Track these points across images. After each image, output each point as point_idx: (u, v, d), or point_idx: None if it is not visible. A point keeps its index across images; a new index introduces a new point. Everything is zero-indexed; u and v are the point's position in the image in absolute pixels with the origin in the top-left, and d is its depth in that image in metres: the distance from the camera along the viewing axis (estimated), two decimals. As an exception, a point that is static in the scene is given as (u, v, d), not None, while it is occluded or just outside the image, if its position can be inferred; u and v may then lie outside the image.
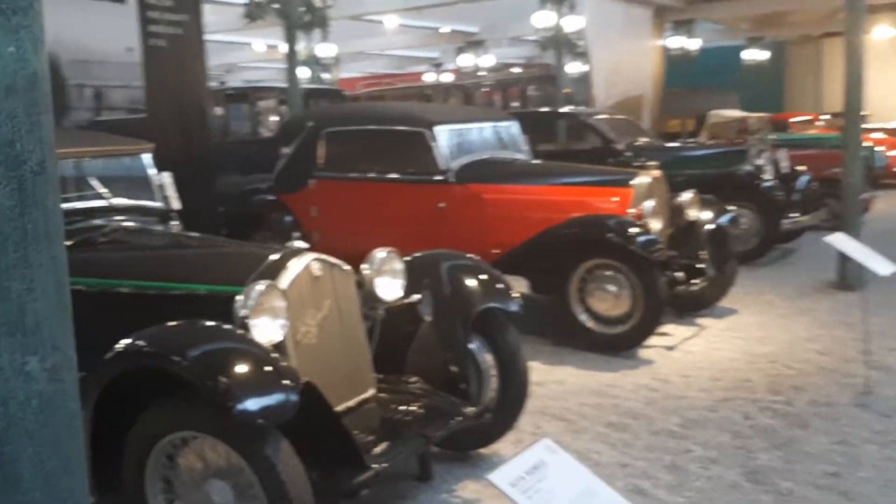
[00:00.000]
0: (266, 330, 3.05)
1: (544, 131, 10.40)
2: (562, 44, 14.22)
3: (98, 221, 4.06)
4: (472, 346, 3.81)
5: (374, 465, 2.97)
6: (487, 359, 3.82)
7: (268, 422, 2.64)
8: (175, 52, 8.75)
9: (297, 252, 3.33)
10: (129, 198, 4.43)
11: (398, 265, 3.69)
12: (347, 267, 3.50)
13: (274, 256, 3.31)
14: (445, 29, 23.24)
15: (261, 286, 3.03)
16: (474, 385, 3.79)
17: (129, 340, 2.79)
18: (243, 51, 25.04)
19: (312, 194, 6.83)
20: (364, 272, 3.60)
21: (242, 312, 2.97)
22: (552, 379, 5.15)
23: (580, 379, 5.15)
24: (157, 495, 2.88)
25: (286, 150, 7.00)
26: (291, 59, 9.62)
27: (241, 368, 2.69)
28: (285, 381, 2.71)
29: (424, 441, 3.23)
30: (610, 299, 5.54)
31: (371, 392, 3.52)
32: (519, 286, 6.41)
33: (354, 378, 3.48)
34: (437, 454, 3.85)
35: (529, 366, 5.40)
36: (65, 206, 4.01)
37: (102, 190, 4.20)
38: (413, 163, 6.34)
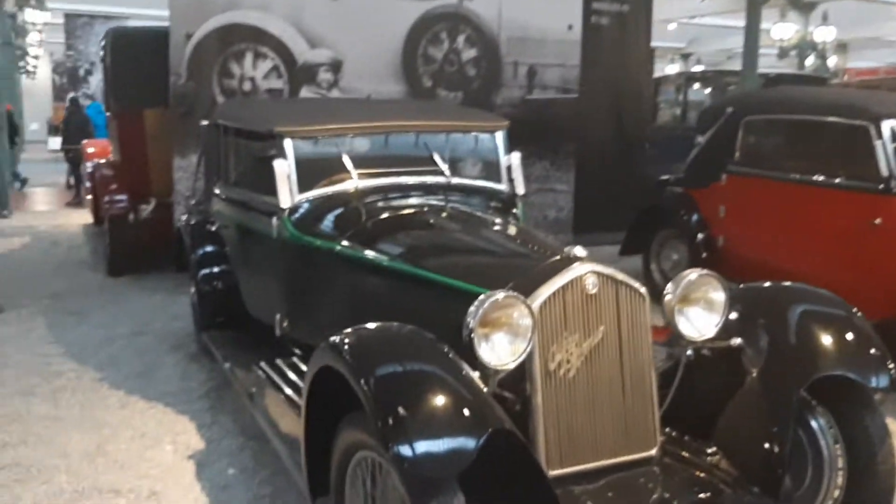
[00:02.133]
0: (499, 350, 2.47)
1: None
2: None
3: (433, 201, 3.82)
4: (812, 423, 2.74)
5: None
6: (834, 446, 2.72)
7: (431, 473, 2.09)
8: (617, 32, 8.34)
9: (571, 260, 2.67)
10: (472, 177, 4.15)
11: (717, 294, 2.78)
12: (641, 287, 2.72)
13: (552, 260, 2.71)
14: None
15: (498, 295, 2.46)
16: (807, 477, 2.73)
17: (337, 337, 2.44)
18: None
19: (723, 191, 5.89)
20: (666, 298, 2.77)
21: (469, 324, 2.43)
22: None
23: None
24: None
25: (701, 139, 6.14)
26: (749, 38, 8.53)
27: (421, 404, 2.16)
28: (468, 427, 2.12)
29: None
30: None
31: (650, 453, 2.72)
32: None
33: (630, 430, 2.70)
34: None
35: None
36: (400, 179, 3.93)
37: (444, 166, 3.95)
38: (847, 165, 5.04)
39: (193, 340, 5.24)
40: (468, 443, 2.08)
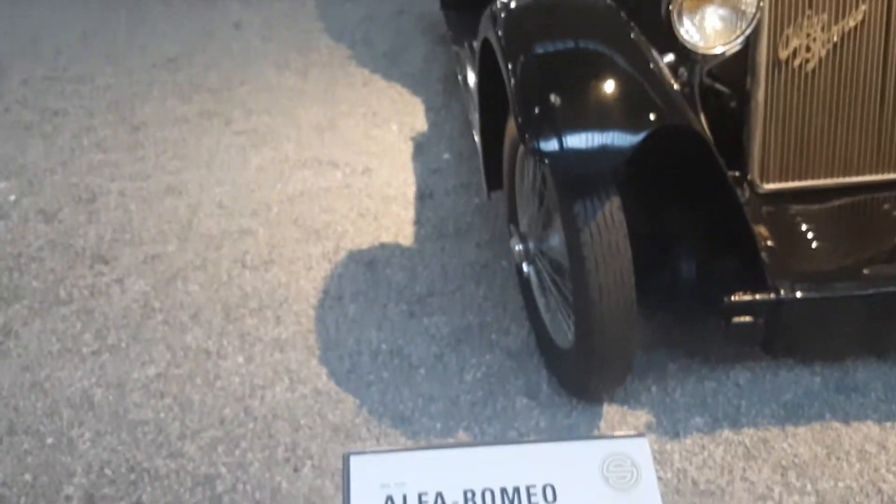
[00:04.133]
0: (708, 29, 1.95)
1: None
2: None
3: None
4: None
5: (781, 290, 1.82)
6: None
7: (572, 169, 1.74)
8: None
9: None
10: None
11: None
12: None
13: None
14: None
15: (714, -43, 1.89)
16: None
17: (499, 3, 2.05)
18: None
19: None
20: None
21: (670, -6, 1.91)
22: None
23: None
24: (527, 207, 2.27)
25: None
26: None
27: (569, 88, 1.76)
28: (625, 120, 1.71)
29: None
30: None
31: (911, 173, 2.13)
32: None
33: (884, 144, 2.12)
34: None
35: None
36: None
37: None
38: None
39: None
40: (624, 138, 1.69)
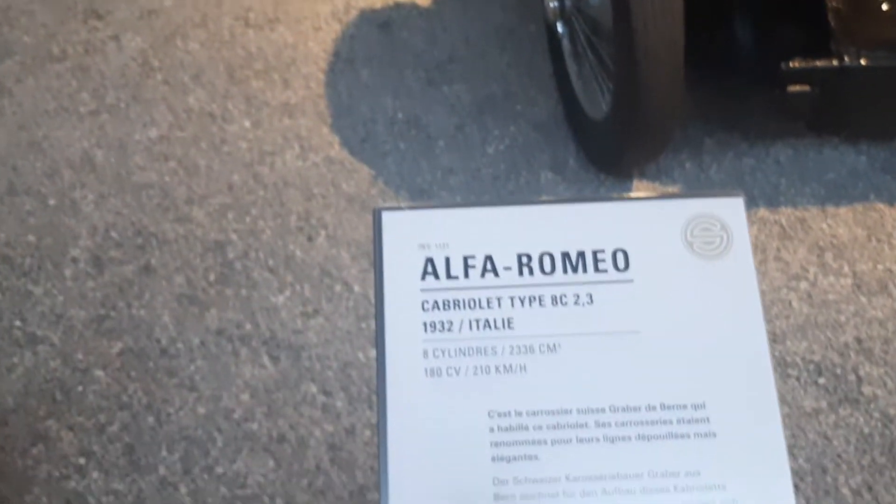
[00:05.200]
0: None
1: None
2: None
3: None
4: None
5: (846, 57, 1.64)
6: None
7: None
8: None
9: None
10: None
11: None
12: None
13: None
14: None
15: None
16: None
17: None
18: None
19: None
20: None
21: None
22: None
23: None
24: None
25: None
26: None
27: None
28: None
29: None
30: None
31: None
32: None
33: None
34: None
35: None
36: None
37: None
38: None
39: None
40: None
